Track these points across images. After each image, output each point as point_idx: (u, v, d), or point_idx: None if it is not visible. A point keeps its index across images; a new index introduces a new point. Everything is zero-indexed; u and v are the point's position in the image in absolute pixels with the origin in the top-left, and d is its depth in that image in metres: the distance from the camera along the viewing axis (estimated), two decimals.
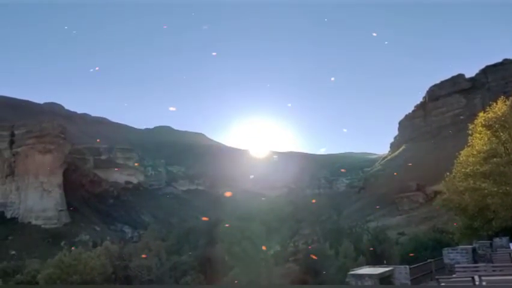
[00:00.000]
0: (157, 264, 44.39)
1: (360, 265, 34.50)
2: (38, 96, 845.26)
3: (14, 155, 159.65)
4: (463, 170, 37.16)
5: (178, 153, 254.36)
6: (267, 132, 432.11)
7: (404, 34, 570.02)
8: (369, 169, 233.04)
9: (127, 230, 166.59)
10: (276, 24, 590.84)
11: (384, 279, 17.83)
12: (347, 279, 17.69)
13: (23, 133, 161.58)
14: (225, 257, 53.87)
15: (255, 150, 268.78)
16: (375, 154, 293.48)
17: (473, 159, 36.68)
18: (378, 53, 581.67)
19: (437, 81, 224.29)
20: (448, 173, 39.36)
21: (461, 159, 38.24)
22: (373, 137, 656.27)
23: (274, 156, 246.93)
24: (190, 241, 64.24)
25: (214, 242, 58.88)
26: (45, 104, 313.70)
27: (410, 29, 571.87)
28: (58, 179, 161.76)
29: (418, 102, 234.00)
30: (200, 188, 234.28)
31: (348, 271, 17.96)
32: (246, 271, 46.24)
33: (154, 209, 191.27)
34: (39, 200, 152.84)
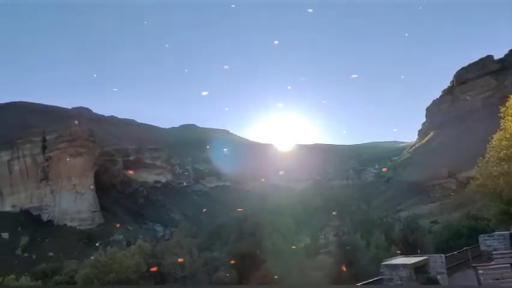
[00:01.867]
0: (190, 261, 45.03)
1: (393, 255, 34.05)
2: (66, 101, 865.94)
3: (47, 159, 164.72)
4: (496, 154, 36.11)
5: (203, 150, 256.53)
6: (291, 126, 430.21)
7: (429, 18, 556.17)
8: (397, 158, 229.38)
9: (158, 228, 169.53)
10: (299, 17, 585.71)
11: (419, 268, 17.59)
12: (381, 270, 17.52)
13: (54, 138, 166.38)
14: (256, 251, 54.11)
15: (280, 144, 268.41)
16: (403, 142, 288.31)
17: (506, 142, 35.56)
18: (402, 38, 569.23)
19: (465, 65, 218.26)
20: (480, 158, 38.33)
21: (494, 143, 37.12)
22: (400, 125, 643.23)
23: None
24: (220, 237, 64.86)
25: (244, 236, 59.24)
26: (74, 108, 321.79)
27: (435, 12, 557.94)
28: (90, 181, 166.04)
29: (445, 87, 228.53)
30: (227, 184, 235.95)
31: (381, 261, 17.79)
32: (277, 264, 46.40)
33: (183, 207, 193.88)
34: (73, 202, 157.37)
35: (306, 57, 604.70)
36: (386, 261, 17.67)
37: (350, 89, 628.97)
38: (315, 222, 60.15)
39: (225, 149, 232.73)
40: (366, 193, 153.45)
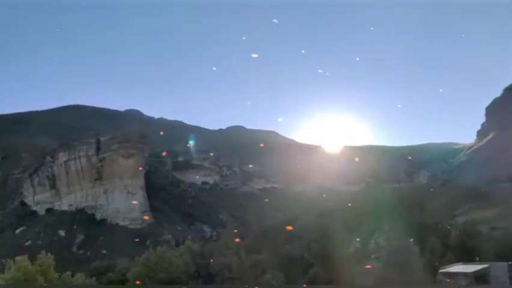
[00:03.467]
0: (237, 263, 44.93)
1: (449, 262, 32.13)
2: (119, 103, 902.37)
3: (100, 160, 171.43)
4: None
5: (251, 152, 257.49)
6: (340, 127, 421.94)
7: (487, 13, 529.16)
8: (454, 160, 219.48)
9: (206, 229, 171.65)
10: (355, 13, 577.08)
11: (480, 277, 16.30)
12: (438, 278, 16.37)
13: (108, 139, 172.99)
14: (304, 255, 53.21)
15: (329, 146, 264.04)
16: (460, 144, 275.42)
17: None
18: (460, 35, 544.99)
19: None
20: None
21: None
22: (457, 125, 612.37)
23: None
24: (268, 239, 64.31)
25: (292, 239, 58.46)
26: (126, 110, 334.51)
27: (494, 5, 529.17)
28: (141, 181, 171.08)
29: (508, 85, 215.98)
30: (275, 185, 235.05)
31: (436, 268, 16.64)
32: (326, 269, 45.31)
33: (231, 208, 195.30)
34: (125, 202, 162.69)
35: (356, 57, 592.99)
36: (444, 268, 16.55)
37: (403, 88, 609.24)
38: (366, 226, 58.17)
39: (272, 150, 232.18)
40: (420, 197, 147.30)
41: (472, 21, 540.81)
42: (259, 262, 46.27)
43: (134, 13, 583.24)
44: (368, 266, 43.55)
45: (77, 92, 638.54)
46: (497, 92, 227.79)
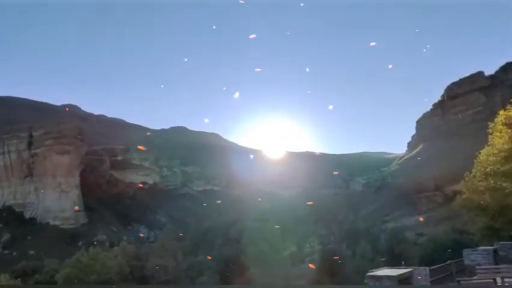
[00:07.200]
0: (174, 265, 44.54)
1: (377, 266, 33.99)
2: (56, 97, 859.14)
3: (32, 156, 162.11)
4: (482, 169, 36.37)
5: (193, 153, 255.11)
6: (282, 133, 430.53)
7: (422, 32, 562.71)
8: (386, 169, 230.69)
9: (143, 230, 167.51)
10: (291, 23, 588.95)
11: (403, 280, 17.48)
12: (366, 281, 17.38)
13: (41, 134, 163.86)
14: (240, 258, 53.71)
15: (270, 151, 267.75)
16: (392, 153, 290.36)
17: (494, 158, 35.84)
18: (395, 51, 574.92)
19: (456, 79, 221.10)
20: (467, 173, 38.62)
21: (481, 158, 37.42)
22: (390, 136, 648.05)
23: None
24: (206, 241, 64.27)
25: (230, 242, 58.79)
26: (63, 105, 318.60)
27: (427, 27, 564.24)
28: (75, 179, 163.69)
29: (436, 101, 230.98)
30: (215, 188, 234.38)
31: (366, 272, 17.66)
32: (262, 271, 46.06)
33: (169, 210, 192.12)
34: (57, 201, 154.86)
35: (300, 65, 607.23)
36: (371, 272, 17.54)
37: (341, 98, 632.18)
38: (302, 230, 59.91)
39: (214, 153, 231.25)
40: (354, 203, 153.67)
41: (408, 37, 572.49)
42: (196, 264, 46.19)
43: (75, 7, 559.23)
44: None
45: (7, 83, 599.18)
46: (427, 107, 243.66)
